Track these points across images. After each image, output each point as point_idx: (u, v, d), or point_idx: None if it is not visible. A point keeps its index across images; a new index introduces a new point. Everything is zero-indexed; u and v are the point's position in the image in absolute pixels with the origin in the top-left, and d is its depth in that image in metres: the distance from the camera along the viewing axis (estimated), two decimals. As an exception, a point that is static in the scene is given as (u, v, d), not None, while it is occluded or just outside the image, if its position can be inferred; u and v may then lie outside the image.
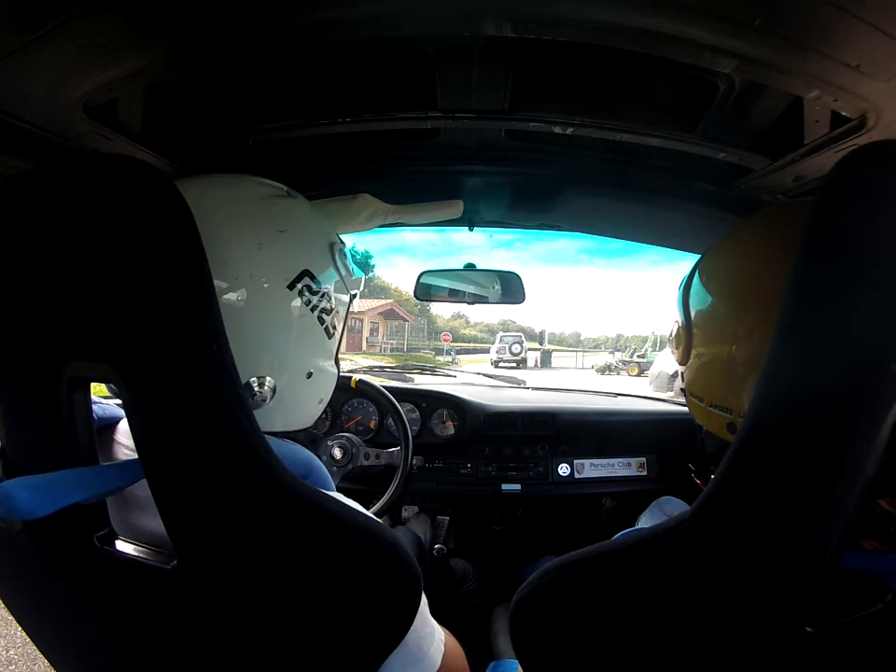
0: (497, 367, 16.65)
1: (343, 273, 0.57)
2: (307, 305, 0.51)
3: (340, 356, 0.63)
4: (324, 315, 0.53)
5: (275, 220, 0.51)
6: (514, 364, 18.39)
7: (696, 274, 0.56)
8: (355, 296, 0.63)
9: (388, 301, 27.47)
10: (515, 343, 19.50)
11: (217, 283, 0.41)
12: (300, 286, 0.50)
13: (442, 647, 0.51)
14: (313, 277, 0.51)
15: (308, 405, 0.58)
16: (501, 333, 22.81)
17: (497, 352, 19.21)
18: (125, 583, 0.42)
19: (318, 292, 0.52)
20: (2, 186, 0.38)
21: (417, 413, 1.49)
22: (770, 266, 0.45)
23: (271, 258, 0.48)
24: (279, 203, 0.53)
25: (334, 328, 0.56)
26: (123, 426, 0.52)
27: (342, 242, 0.60)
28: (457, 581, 1.28)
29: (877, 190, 0.30)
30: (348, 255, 0.60)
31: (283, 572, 0.40)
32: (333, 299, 0.55)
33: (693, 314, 0.55)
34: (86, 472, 0.40)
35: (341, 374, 0.62)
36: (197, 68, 0.57)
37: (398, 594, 0.43)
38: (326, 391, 0.60)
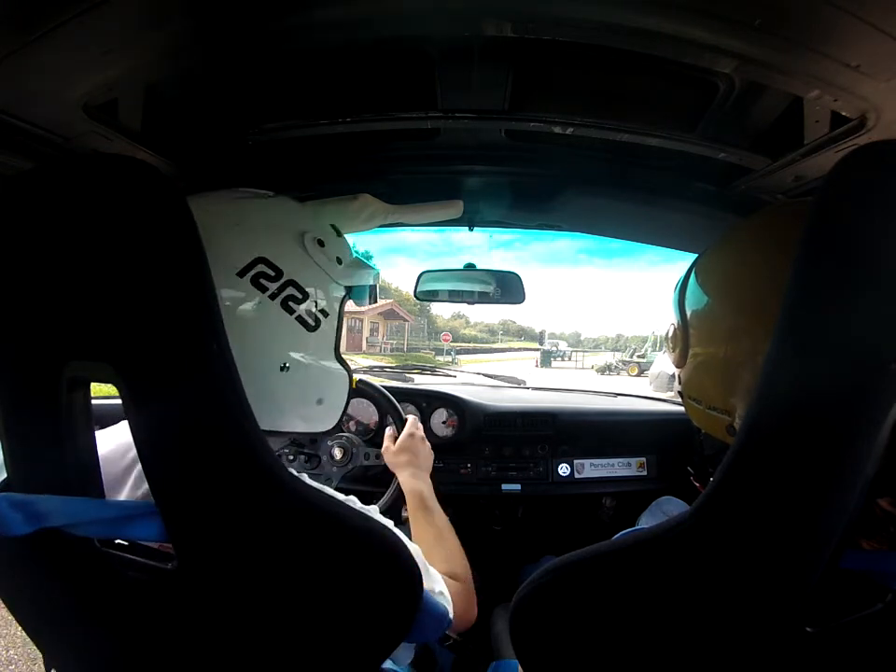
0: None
1: (323, 262, 0.55)
2: (263, 293, 0.49)
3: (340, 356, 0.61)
4: (293, 304, 0.51)
5: (231, 216, 0.52)
6: (560, 358, 27.54)
7: (693, 275, 0.56)
8: (352, 289, 0.60)
9: (388, 301, 27.53)
10: (552, 346, 29.97)
11: None
12: (252, 273, 0.49)
13: (448, 606, 0.51)
14: (269, 264, 0.50)
15: (295, 403, 0.55)
16: (548, 339, 37.16)
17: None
18: (125, 584, 0.42)
19: (278, 280, 0.50)
20: (2, 186, 0.38)
21: (417, 413, 1.48)
22: (769, 266, 0.45)
23: (223, 249, 0.48)
24: (241, 203, 0.55)
25: (315, 320, 0.54)
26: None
27: (328, 233, 0.58)
28: None
29: (877, 190, 0.30)
30: (331, 244, 0.57)
31: (283, 571, 0.40)
32: (311, 290, 0.53)
33: (689, 314, 0.55)
34: (72, 502, 0.40)
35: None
36: (197, 68, 0.57)
37: (398, 593, 0.43)
38: (323, 391, 0.58)
